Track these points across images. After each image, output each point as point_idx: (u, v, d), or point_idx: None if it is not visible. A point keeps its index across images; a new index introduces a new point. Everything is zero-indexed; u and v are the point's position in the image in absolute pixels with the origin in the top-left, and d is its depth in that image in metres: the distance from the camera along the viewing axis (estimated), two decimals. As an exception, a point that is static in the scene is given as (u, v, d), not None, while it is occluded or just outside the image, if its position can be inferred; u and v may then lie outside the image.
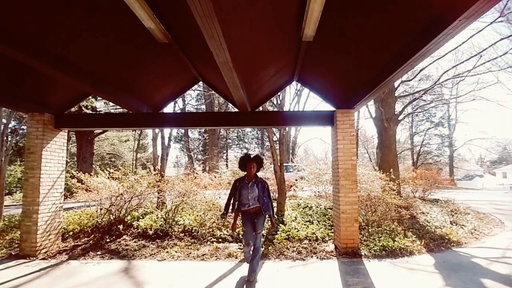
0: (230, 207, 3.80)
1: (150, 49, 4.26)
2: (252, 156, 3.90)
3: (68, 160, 14.82)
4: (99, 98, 13.58)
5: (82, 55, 3.83)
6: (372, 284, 3.59)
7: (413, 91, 14.87)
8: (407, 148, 27.31)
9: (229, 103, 8.37)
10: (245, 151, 31.73)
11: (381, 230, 5.58)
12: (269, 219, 3.79)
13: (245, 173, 3.82)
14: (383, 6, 3.04)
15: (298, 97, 15.68)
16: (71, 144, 17.20)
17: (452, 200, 9.15)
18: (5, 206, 8.58)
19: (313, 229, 5.57)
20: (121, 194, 6.07)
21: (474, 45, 36.77)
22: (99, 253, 4.90)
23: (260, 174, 4.00)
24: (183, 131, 28.54)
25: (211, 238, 5.39)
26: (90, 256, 4.79)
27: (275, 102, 12.72)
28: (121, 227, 5.79)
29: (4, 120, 8.28)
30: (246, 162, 3.80)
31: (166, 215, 6.06)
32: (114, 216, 6.04)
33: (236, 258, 4.60)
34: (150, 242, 5.31)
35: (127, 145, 22.67)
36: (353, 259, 4.54)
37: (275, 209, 3.87)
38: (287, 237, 5.35)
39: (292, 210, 6.86)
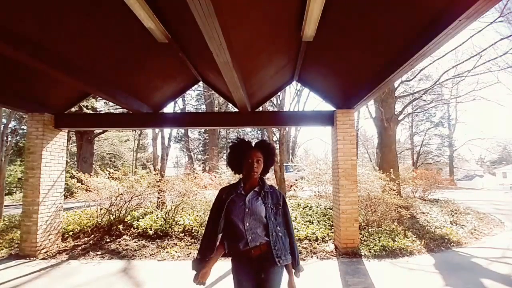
0: (216, 243, 1.80)
1: (150, 49, 4.26)
2: (254, 143, 1.94)
3: (68, 160, 14.82)
4: (99, 98, 13.57)
5: (82, 55, 3.83)
6: (372, 284, 3.59)
7: (413, 91, 14.87)
8: (407, 148, 27.29)
9: (229, 103, 8.38)
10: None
11: (381, 230, 5.58)
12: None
13: (240, 176, 1.95)
14: (383, 6, 3.04)
15: (298, 97, 15.73)
16: (71, 144, 17.20)
17: (452, 200, 9.14)
18: (5, 206, 8.58)
19: (313, 229, 5.57)
20: (121, 194, 6.07)
21: (474, 45, 36.78)
22: (99, 253, 4.90)
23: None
24: (183, 131, 28.52)
25: (211, 238, 5.39)
26: (90, 256, 4.79)
27: (275, 102, 12.69)
28: (121, 227, 5.79)
29: (4, 120, 8.28)
30: (243, 152, 1.88)
31: (166, 215, 6.06)
32: (114, 216, 6.04)
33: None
34: (150, 242, 5.31)
35: (127, 145, 22.66)
36: (353, 259, 4.53)
37: (296, 245, 1.90)
38: (287, 237, 5.34)
39: (292, 210, 6.86)
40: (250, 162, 1.83)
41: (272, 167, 2.05)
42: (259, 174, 1.89)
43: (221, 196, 1.88)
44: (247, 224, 1.76)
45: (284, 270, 1.84)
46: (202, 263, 1.80)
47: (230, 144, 1.97)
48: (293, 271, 1.85)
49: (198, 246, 1.90)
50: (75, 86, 4.74)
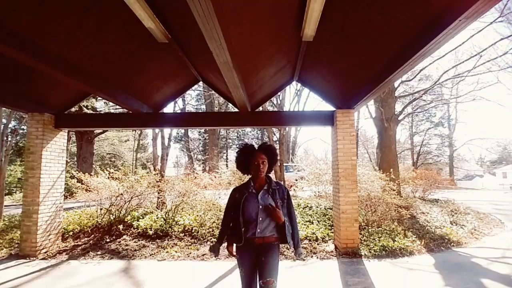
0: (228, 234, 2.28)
1: (150, 49, 4.27)
2: (257, 145, 2.32)
3: (68, 160, 14.82)
4: (99, 98, 13.58)
5: (82, 55, 3.83)
6: (372, 284, 3.59)
7: (413, 91, 14.86)
8: (407, 148, 27.29)
9: (229, 103, 8.38)
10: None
11: (381, 230, 5.58)
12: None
13: (249, 176, 2.30)
14: (383, 6, 3.04)
15: (298, 97, 15.73)
16: (71, 144, 17.20)
17: (452, 200, 9.14)
18: (5, 206, 8.58)
19: (313, 229, 5.56)
20: (121, 194, 6.07)
21: (474, 45, 36.79)
22: (99, 253, 4.90)
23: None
24: (183, 131, 28.54)
25: (211, 238, 5.39)
26: (90, 256, 4.79)
27: (275, 102, 12.70)
28: (121, 227, 5.79)
29: (4, 120, 8.28)
30: (249, 155, 2.23)
31: (166, 215, 6.06)
32: (114, 216, 6.03)
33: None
34: (150, 242, 5.31)
35: (127, 145, 22.67)
36: (353, 259, 4.54)
37: (299, 232, 2.32)
38: (287, 237, 5.34)
39: (292, 210, 6.85)
40: (257, 164, 2.18)
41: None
42: (265, 173, 2.23)
43: (234, 195, 2.24)
44: (260, 219, 2.11)
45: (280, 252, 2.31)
46: (219, 247, 2.24)
47: (237, 150, 2.35)
48: (294, 251, 2.21)
49: (217, 236, 2.46)
50: (75, 86, 4.74)
